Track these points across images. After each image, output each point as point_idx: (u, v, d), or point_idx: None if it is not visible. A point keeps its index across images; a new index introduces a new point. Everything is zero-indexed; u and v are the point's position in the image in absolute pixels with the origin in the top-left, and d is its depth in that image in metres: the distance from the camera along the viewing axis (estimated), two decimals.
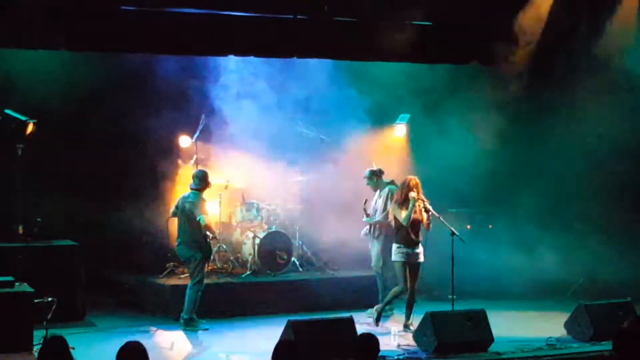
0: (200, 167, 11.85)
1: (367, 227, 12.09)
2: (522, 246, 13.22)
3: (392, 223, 11.18)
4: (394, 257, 11.02)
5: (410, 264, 10.96)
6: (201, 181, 11.38)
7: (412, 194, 10.83)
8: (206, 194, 11.61)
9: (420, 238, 11.04)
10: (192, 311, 11.25)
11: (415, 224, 10.94)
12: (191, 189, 11.41)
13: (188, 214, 11.27)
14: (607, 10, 13.12)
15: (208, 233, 11.28)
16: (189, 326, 11.19)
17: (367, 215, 12.02)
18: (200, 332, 11.19)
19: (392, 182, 12.01)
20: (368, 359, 6.72)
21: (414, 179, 11.00)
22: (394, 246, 11.02)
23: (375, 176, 12.06)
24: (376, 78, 13.51)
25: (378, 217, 11.92)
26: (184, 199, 11.38)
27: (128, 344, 6.07)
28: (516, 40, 13.01)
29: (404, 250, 10.92)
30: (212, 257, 11.60)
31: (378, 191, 12.07)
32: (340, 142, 13.55)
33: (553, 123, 14.01)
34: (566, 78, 13.72)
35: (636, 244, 13.47)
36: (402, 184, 11.07)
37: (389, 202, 11.73)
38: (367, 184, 12.11)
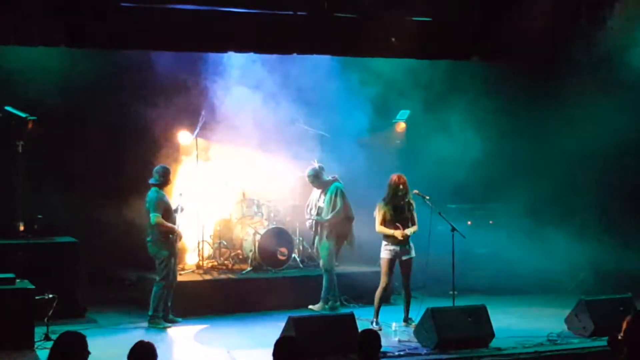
0: (161, 164, 11.76)
1: (312, 223, 11.98)
2: (522, 242, 13.23)
3: (376, 219, 11.03)
4: (381, 254, 11.01)
5: (400, 261, 10.97)
6: (160, 176, 11.26)
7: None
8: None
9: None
10: (158, 308, 11.18)
11: (401, 220, 10.94)
12: (150, 184, 11.30)
13: (147, 212, 11.26)
14: (608, 5, 13.12)
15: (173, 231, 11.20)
16: (152, 323, 11.13)
17: (317, 213, 11.90)
18: (200, 328, 11.19)
19: (335, 179, 11.90)
20: (369, 355, 6.73)
21: (402, 177, 11.02)
22: (382, 243, 11.00)
23: (319, 175, 11.89)
24: (377, 73, 13.51)
25: (327, 215, 11.77)
26: (147, 196, 11.30)
27: (140, 342, 6.11)
28: (517, 36, 13.00)
29: (391, 247, 10.91)
30: (177, 255, 11.48)
31: (322, 189, 11.91)
32: (340, 138, 13.54)
33: (554, 118, 14.01)
34: (568, 73, 13.72)
35: (637, 239, 13.48)
36: (391, 182, 11.02)
37: (338, 199, 11.66)
38: (312, 182, 11.94)
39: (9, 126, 11.73)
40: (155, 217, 11.08)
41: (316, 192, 12.06)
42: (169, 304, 11.39)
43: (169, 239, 11.21)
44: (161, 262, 11.22)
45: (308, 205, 12.23)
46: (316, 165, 12.00)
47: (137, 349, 6.10)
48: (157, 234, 11.20)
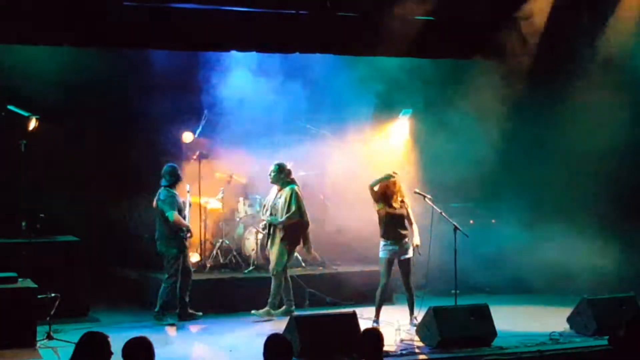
0: (169, 163, 11.83)
1: (265, 224, 11.70)
2: (525, 241, 13.22)
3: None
4: (380, 254, 10.96)
5: (398, 260, 10.94)
6: (170, 177, 11.40)
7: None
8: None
9: (406, 232, 10.96)
10: (164, 305, 11.24)
11: (398, 219, 10.92)
12: (161, 186, 11.43)
13: (159, 212, 11.32)
14: (610, 5, 13.12)
15: (184, 229, 11.30)
16: (157, 319, 11.18)
17: (271, 214, 11.58)
18: (202, 327, 11.21)
19: (293, 181, 11.66)
20: (372, 354, 6.71)
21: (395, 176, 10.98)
22: (381, 243, 10.96)
23: (282, 172, 11.57)
24: (380, 72, 13.51)
25: (281, 217, 11.49)
26: (156, 196, 11.42)
27: (135, 338, 6.08)
28: (519, 35, 13.00)
29: (390, 247, 10.87)
30: (186, 252, 11.57)
31: (278, 190, 11.64)
32: (342, 137, 13.54)
33: (556, 118, 13.99)
34: (570, 73, 13.70)
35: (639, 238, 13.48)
36: (386, 179, 10.98)
37: (293, 202, 11.40)
38: (273, 175, 11.55)
39: (12, 125, 11.74)
40: (172, 215, 11.18)
41: (273, 192, 11.79)
42: (187, 299, 11.44)
43: (178, 236, 11.26)
44: (170, 260, 11.30)
45: (264, 206, 11.93)
46: (287, 164, 11.75)
47: (132, 344, 6.07)
48: (167, 232, 11.26)
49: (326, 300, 12.34)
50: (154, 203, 11.45)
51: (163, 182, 11.43)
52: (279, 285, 11.53)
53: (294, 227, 11.52)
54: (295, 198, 11.46)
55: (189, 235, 11.51)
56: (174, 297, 11.36)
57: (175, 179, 11.43)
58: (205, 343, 10.52)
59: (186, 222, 11.55)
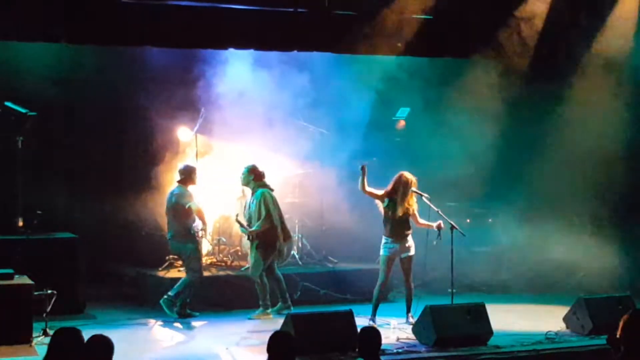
0: (185, 162, 11.93)
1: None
2: (521, 240, 13.23)
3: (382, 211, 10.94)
4: (381, 251, 10.94)
5: (400, 258, 10.92)
6: (180, 174, 11.49)
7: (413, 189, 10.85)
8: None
9: (409, 232, 10.92)
10: (179, 294, 11.24)
11: (403, 218, 10.90)
12: (177, 182, 11.53)
13: (175, 207, 11.34)
14: (608, 4, 13.13)
15: (199, 226, 11.32)
16: (165, 304, 11.17)
17: (242, 226, 11.52)
18: (199, 325, 11.20)
19: (264, 185, 11.59)
20: (369, 352, 6.72)
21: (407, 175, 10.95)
22: (383, 240, 10.94)
23: (252, 175, 11.51)
24: (378, 70, 13.51)
25: (254, 225, 11.41)
26: (171, 193, 11.49)
27: (94, 336, 6.07)
28: (517, 34, 13.01)
29: (391, 245, 10.85)
30: (202, 246, 11.67)
31: (250, 195, 11.60)
32: (339, 135, 13.54)
33: (554, 117, 14.00)
34: (568, 73, 13.71)
35: (636, 238, 13.48)
36: (398, 179, 10.95)
37: (262, 207, 11.32)
38: (243, 177, 11.57)
39: (8, 122, 11.73)
40: (194, 204, 11.24)
41: (247, 198, 11.81)
42: (188, 300, 11.43)
43: (189, 232, 11.25)
44: (188, 256, 11.37)
45: (244, 207, 11.93)
46: (257, 165, 11.66)
47: (95, 342, 6.06)
48: (180, 229, 11.29)
49: (320, 292, 12.35)
50: (168, 200, 11.49)
51: (178, 178, 11.55)
52: (262, 288, 11.54)
53: (267, 234, 11.47)
54: (264, 204, 11.38)
55: (203, 231, 11.57)
56: (187, 292, 11.35)
57: (184, 177, 11.47)
58: (202, 340, 10.50)
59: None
